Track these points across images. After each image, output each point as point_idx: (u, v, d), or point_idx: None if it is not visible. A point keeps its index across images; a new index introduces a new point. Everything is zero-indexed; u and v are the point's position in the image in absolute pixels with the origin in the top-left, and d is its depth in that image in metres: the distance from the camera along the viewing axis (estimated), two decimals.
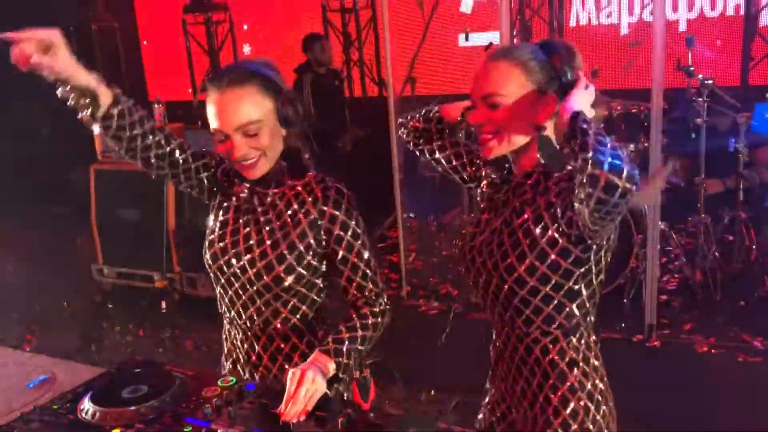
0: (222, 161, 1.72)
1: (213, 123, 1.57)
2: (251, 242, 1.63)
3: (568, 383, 1.45)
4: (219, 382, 1.54)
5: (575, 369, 1.46)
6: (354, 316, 1.62)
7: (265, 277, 1.61)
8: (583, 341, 1.48)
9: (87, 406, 1.48)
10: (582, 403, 1.45)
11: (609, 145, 1.19)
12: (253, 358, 1.71)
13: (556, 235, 1.37)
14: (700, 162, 3.77)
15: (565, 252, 1.38)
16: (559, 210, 1.36)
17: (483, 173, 1.64)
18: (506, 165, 1.54)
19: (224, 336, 1.80)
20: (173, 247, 4.75)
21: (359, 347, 1.57)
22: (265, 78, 1.57)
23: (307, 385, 1.40)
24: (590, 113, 1.32)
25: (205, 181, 1.71)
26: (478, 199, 1.64)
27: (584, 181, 1.19)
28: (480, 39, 5.98)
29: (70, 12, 7.51)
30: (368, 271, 1.64)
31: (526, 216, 1.41)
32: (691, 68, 3.70)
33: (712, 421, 3.02)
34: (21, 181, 6.64)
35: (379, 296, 1.66)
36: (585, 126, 1.23)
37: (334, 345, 1.53)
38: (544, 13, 6.53)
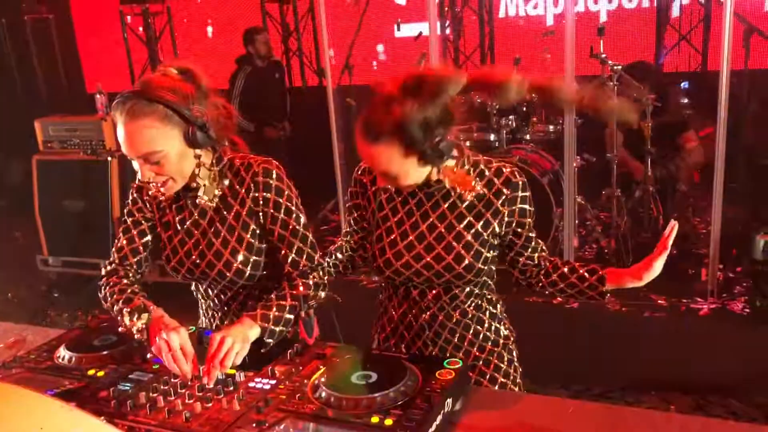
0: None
1: (121, 147, 1.62)
2: (201, 247, 1.75)
3: (495, 326, 1.81)
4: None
5: (496, 315, 1.82)
6: (286, 286, 1.69)
7: (228, 274, 1.73)
8: (494, 294, 1.83)
9: (63, 353, 1.67)
10: (501, 341, 1.82)
11: None
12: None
13: (483, 232, 1.67)
14: (614, 140, 4.14)
15: (484, 241, 1.68)
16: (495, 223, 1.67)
17: (372, 192, 1.78)
18: None
19: (202, 312, 1.95)
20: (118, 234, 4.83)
21: (287, 315, 1.64)
22: (168, 106, 1.57)
23: (224, 350, 1.50)
24: None
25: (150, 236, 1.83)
26: (377, 211, 1.76)
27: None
28: (410, 30, 6.26)
29: (2, 4, 7.44)
30: (302, 245, 1.72)
31: (456, 219, 1.67)
32: (603, 56, 4.06)
33: (621, 367, 3.40)
34: None
35: (313, 270, 1.73)
36: None
37: (261, 311, 1.62)
38: (474, 4, 6.85)
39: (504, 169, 1.68)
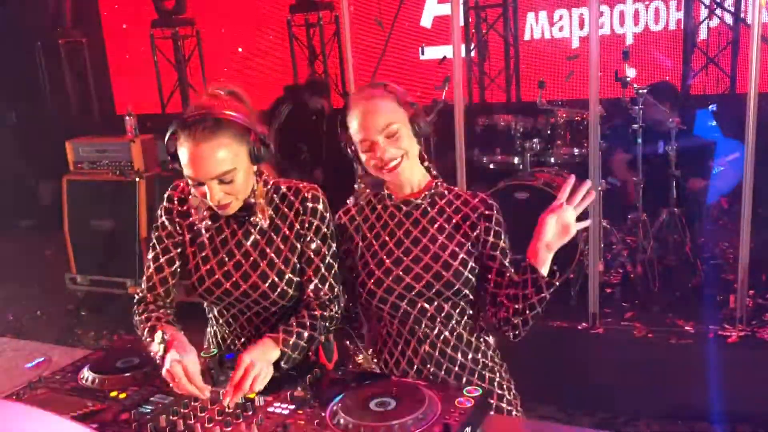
0: (178, 198, 1.82)
1: (187, 170, 1.63)
2: (245, 268, 1.75)
3: (490, 354, 1.83)
4: (202, 354, 1.76)
5: (490, 343, 1.85)
6: (305, 314, 1.71)
7: (272, 295, 1.75)
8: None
9: (86, 374, 1.69)
10: (497, 369, 1.85)
11: None
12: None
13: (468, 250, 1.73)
14: (637, 164, 4.10)
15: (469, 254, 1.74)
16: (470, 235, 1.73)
17: (354, 228, 1.84)
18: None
19: (210, 333, 1.95)
20: (145, 254, 4.90)
21: (303, 344, 1.66)
22: (235, 124, 1.62)
23: (251, 375, 1.52)
24: None
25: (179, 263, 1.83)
26: (362, 241, 1.82)
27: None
28: (435, 53, 6.30)
29: (39, 28, 7.65)
30: (326, 273, 1.76)
31: (438, 231, 1.75)
32: (627, 79, 4.04)
33: (647, 395, 3.33)
34: None
35: (332, 302, 1.76)
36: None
37: (283, 335, 1.64)
38: (500, 27, 6.88)
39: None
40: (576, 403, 3.28)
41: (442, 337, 1.75)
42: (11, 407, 1.13)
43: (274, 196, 1.78)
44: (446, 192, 1.81)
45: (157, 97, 7.49)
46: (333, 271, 1.78)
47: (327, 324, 1.73)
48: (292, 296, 1.78)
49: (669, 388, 3.33)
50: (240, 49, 7.89)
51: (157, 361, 1.61)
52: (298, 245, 1.77)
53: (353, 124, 1.73)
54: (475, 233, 1.74)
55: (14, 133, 7.56)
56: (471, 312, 1.78)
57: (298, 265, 1.77)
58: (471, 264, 1.73)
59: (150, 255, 1.84)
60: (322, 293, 1.76)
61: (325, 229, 1.77)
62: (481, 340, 1.80)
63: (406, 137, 1.71)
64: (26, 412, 1.10)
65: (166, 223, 1.82)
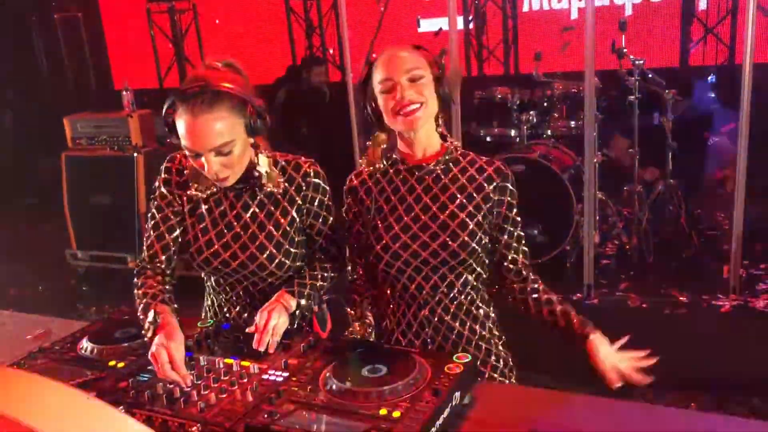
0: (176, 169, 1.84)
1: (185, 142, 1.64)
2: (244, 239, 1.79)
3: (488, 326, 1.84)
4: (199, 324, 1.80)
5: (489, 317, 1.85)
6: (317, 266, 1.84)
7: (269, 266, 1.79)
8: (484, 290, 1.85)
9: (86, 344, 1.73)
10: (494, 341, 1.85)
11: None
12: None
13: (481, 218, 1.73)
14: (633, 136, 4.11)
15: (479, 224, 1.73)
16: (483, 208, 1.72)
17: (364, 192, 1.82)
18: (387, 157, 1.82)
19: (207, 303, 2.00)
20: (144, 228, 4.92)
21: (315, 292, 1.79)
22: (233, 96, 1.63)
23: (273, 321, 1.66)
24: None
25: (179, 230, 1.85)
26: (373, 206, 1.81)
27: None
28: (431, 25, 6.26)
29: (33, 2, 7.60)
30: (334, 237, 1.87)
31: (445, 196, 1.74)
32: (624, 50, 4.03)
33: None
34: None
35: (338, 257, 1.89)
36: None
37: (298, 288, 1.76)
38: None
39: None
40: (570, 373, 3.31)
41: (442, 305, 1.77)
42: (11, 373, 1.17)
43: (275, 168, 1.80)
44: (461, 158, 1.77)
45: (155, 71, 7.47)
46: (338, 234, 1.88)
47: (335, 275, 1.86)
48: (289, 267, 1.83)
49: (663, 357, 3.36)
50: (237, 23, 7.84)
51: (146, 340, 1.63)
52: (298, 218, 1.81)
53: (378, 71, 1.70)
54: (487, 205, 1.73)
55: (13, 110, 7.55)
56: (474, 283, 1.79)
57: (296, 238, 1.82)
58: (480, 235, 1.72)
59: (150, 224, 1.86)
60: (330, 251, 1.87)
61: (328, 202, 1.84)
62: (481, 311, 1.81)
63: (429, 90, 1.68)
64: (26, 377, 1.13)
65: (165, 192, 1.84)
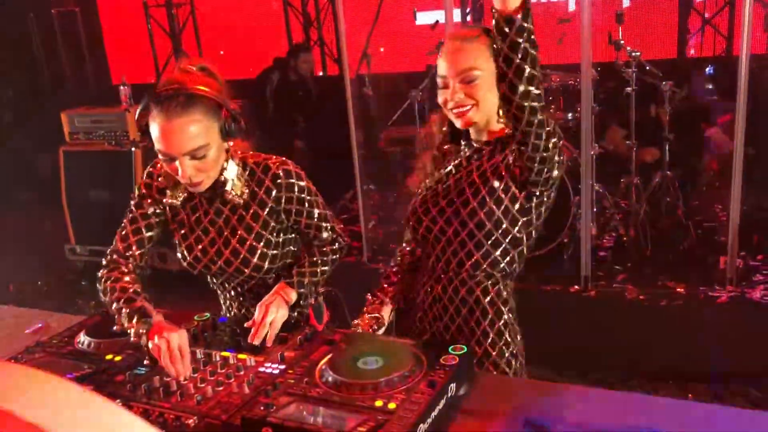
0: (157, 174, 1.82)
1: (159, 145, 1.62)
2: (218, 245, 1.79)
3: (504, 319, 1.74)
4: (195, 317, 1.81)
5: (507, 307, 1.76)
6: (316, 252, 1.86)
7: (246, 270, 1.80)
8: (512, 284, 1.78)
9: (83, 338, 1.74)
10: (511, 336, 1.76)
11: None
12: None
13: (510, 183, 1.64)
14: (630, 128, 4.11)
15: (513, 198, 1.64)
16: (510, 158, 1.62)
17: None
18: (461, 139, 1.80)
19: (222, 301, 2.01)
20: None
21: (317, 279, 1.83)
22: (207, 99, 1.62)
23: (271, 316, 1.67)
24: None
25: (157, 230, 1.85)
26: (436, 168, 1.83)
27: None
28: (427, 18, 6.24)
29: None
30: (323, 223, 1.86)
31: (485, 168, 1.68)
32: (621, 42, 4.02)
33: (639, 356, 3.40)
34: None
35: (336, 238, 1.90)
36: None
37: (297, 278, 1.78)
38: None
39: None
40: (568, 365, 3.34)
41: (452, 286, 1.73)
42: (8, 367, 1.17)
43: (243, 172, 1.77)
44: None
45: (152, 66, 7.46)
46: (325, 216, 1.86)
47: (337, 256, 1.90)
48: (268, 269, 1.82)
49: (660, 348, 3.39)
50: (234, 17, 7.82)
51: (132, 338, 1.61)
52: (272, 221, 1.79)
53: (439, 60, 1.68)
54: (507, 173, 1.66)
55: (12, 105, 7.54)
56: (495, 276, 1.72)
57: (274, 240, 1.80)
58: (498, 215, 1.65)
59: (128, 218, 1.83)
60: (325, 237, 1.87)
61: (306, 195, 1.79)
62: (495, 307, 1.74)
63: (485, 87, 1.62)
64: (23, 371, 1.13)
65: (146, 195, 1.83)
